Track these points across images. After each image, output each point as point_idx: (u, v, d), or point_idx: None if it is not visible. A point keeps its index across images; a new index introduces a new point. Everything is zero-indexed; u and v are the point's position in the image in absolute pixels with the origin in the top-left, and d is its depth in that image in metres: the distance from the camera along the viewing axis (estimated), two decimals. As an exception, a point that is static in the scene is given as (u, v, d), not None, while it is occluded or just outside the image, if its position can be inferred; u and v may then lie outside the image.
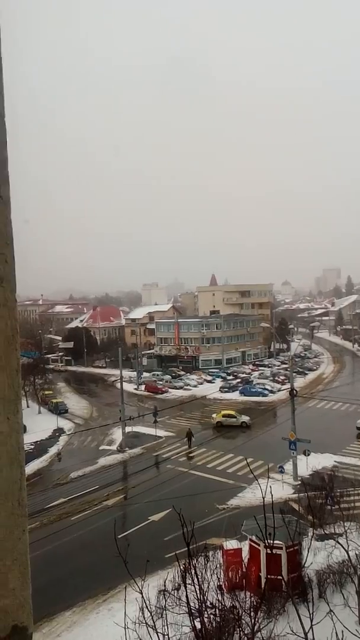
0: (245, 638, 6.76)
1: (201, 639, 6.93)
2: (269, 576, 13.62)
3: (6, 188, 1.32)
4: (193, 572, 6.65)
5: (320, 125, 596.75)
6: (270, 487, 5.96)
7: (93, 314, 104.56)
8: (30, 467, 34.55)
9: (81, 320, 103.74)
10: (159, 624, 6.80)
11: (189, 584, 6.71)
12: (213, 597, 9.72)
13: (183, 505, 8.04)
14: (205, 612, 7.35)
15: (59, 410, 52.09)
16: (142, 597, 6.12)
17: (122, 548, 5.45)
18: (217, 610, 8.84)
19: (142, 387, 64.69)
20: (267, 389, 58.58)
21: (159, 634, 5.97)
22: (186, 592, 6.44)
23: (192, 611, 6.39)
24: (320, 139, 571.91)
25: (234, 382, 65.01)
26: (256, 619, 6.86)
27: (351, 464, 32.05)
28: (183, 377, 69.05)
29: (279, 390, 57.23)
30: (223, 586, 14.79)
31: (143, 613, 6.74)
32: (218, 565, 16.42)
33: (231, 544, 16.93)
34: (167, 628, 5.90)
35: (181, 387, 63.93)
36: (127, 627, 6.27)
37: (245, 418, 43.97)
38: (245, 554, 16.66)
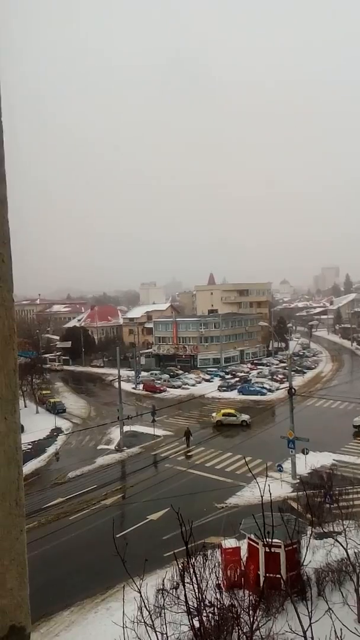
0: (244, 636, 6.76)
1: (200, 638, 6.94)
2: (267, 575, 13.63)
3: (3, 187, 1.31)
4: (191, 571, 6.66)
5: (320, 125, 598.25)
6: (269, 485, 5.97)
7: (91, 313, 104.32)
8: (28, 467, 34.53)
9: (79, 320, 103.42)
10: (158, 623, 6.81)
11: (187, 582, 6.72)
12: (211, 596, 9.70)
13: (181, 504, 8.06)
14: (204, 611, 7.36)
15: (57, 409, 52.04)
16: (141, 596, 6.12)
17: (121, 547, 5.44)
18: (215, 609, 8.84)
19: (140, 386, 64.62)
20: (265, 388, 58.58)
21: (157, 633, 5.97)
22: (185, 591, 6.45)
23: (191, 610, 6.40)
24: (320, 139, 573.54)
25: (233, 381, 64.99)
26: (255, 618, 6.87)
27: (350, 462, 32.13)
28: (181, 376, 68.98)
29: (278, 389, 57.20)
30: (222, 585, 14.78)
31: (142, 612, 6.73)
32: (217, 564, 16.38)
33: (230, 543, 16.94)
34: (166, 627, 5.91)
35: (179, 386, 63.85)
36: (126, 627, 6.26)
37: (245, 417, 44.02)
38: (243, 553, 16.68)
